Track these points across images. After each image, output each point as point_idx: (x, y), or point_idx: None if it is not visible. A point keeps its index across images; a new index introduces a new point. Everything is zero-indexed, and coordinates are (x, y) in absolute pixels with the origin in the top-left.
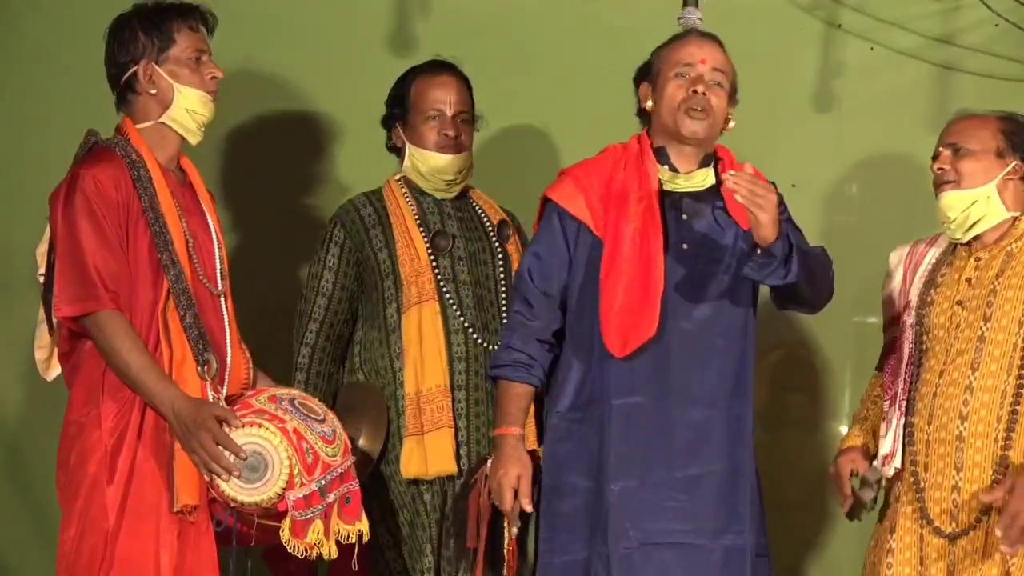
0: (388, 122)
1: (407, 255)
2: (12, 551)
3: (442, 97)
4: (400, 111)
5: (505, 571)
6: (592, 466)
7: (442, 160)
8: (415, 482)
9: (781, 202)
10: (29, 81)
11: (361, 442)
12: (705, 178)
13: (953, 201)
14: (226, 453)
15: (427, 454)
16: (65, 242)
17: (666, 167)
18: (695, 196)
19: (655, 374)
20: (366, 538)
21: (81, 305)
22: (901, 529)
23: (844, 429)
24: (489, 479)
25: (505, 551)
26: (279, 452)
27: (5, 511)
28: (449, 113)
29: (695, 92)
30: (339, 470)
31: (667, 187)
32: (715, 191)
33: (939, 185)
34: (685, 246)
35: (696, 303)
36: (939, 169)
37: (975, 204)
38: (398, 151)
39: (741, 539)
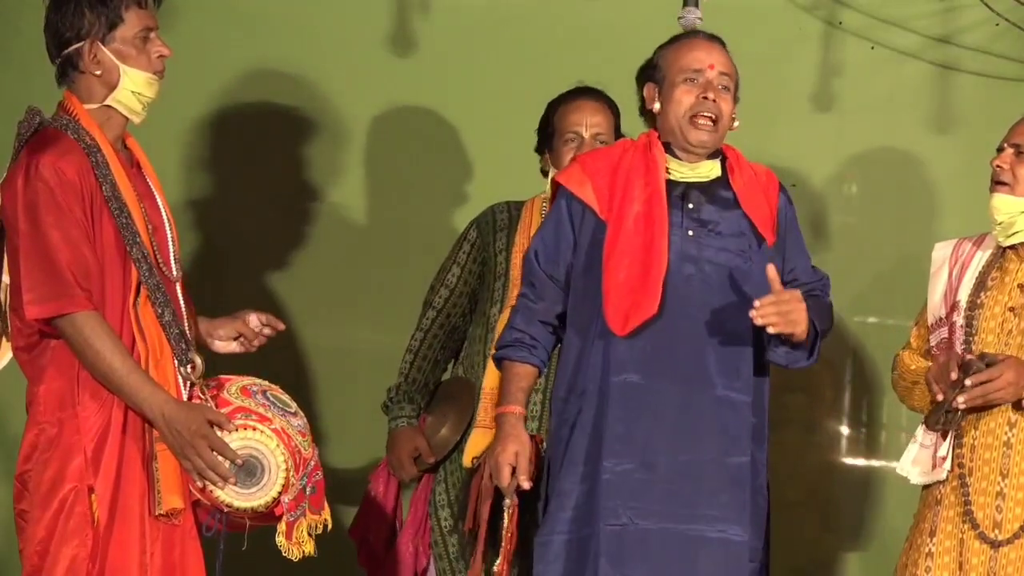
0: (539, 148)
1: (520, 258)
2: (13, 551)
3: (578, 120)
4: (546, 136)
5: (501, 554)
6: (590, 444)
7: None
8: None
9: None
10: (28, 81)
11: (443, 431)
12: (711, 170)
13: (1002, 204)
14: (221, 459)
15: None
16: (29, 237)
17: (672, 156)
18: (702, 187)
19: (654, 354)
20: (330, 527)
21: (55, 304)
22: (942, 533)
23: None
24: (488, 458)
25: (503, 533)
26: (276, 456)
27: (5, 512)
28: (586, 135)
29: (705, 99)
30: (312, 462)
31: (673, 176)
32: (722, 182)
33: (994, 182)
34: (691, 232)
35: (700, 289)
36: (997, 166)
37: (1023, 214)
38: (547, 176)
39: (736, 533)
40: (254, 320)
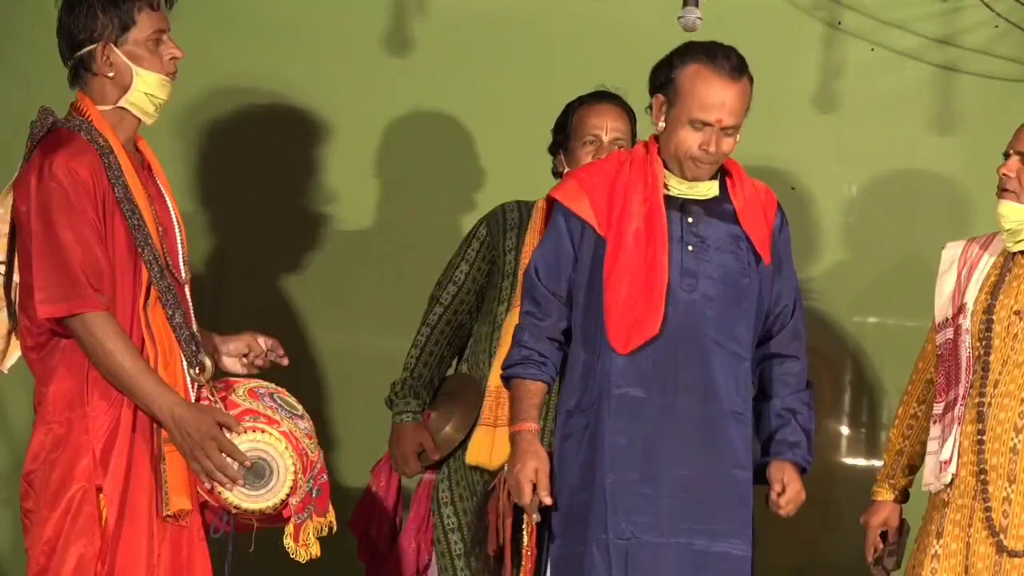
0: (553, 149)
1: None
2: (14, 551)
3: (599, 124)
4: (562, 138)
5: (522, 572)
6: (595, 458)
7: None
8: (480, 470)
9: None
10: (27, 82)
11: (448, 428)
12: (709, 189)
13: (1009, 212)
14: (230, 461)
15: (494, 446)
16: (42, 237)
17: (671, 172)
18: (701, 202)
19: (655, 368)
20: (335, 529)
21: (66, 305)
22: (948, 536)
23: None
24: (507, 476)
25: (523, 550)
26: (284, 458)
27: (11, 512)
28: (605, 139)
29: (706, 150)
30: (318, 465)
31: (672, 192)
32: (722, 196)
33: (1000, 190)
34: (690, 247)
35: (701, 303)
36: (1003, 174)
37: None
38: (560, 176)
39: (739, 548)
40: (263, 340)
